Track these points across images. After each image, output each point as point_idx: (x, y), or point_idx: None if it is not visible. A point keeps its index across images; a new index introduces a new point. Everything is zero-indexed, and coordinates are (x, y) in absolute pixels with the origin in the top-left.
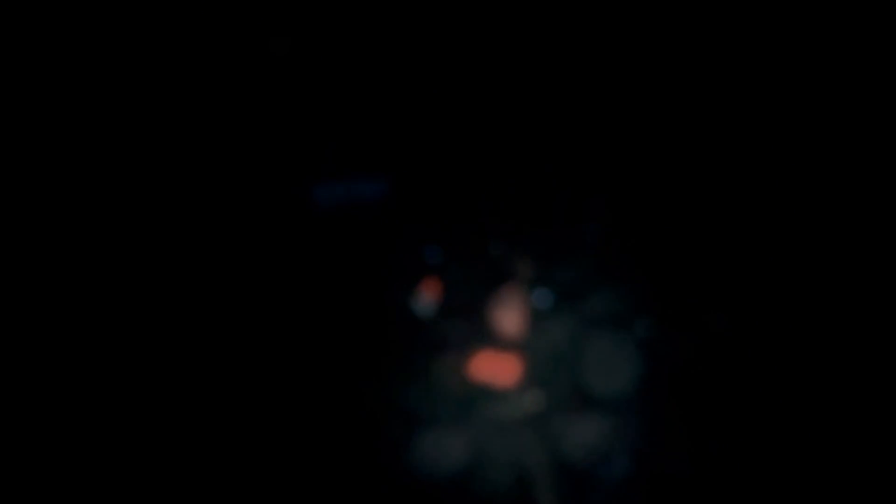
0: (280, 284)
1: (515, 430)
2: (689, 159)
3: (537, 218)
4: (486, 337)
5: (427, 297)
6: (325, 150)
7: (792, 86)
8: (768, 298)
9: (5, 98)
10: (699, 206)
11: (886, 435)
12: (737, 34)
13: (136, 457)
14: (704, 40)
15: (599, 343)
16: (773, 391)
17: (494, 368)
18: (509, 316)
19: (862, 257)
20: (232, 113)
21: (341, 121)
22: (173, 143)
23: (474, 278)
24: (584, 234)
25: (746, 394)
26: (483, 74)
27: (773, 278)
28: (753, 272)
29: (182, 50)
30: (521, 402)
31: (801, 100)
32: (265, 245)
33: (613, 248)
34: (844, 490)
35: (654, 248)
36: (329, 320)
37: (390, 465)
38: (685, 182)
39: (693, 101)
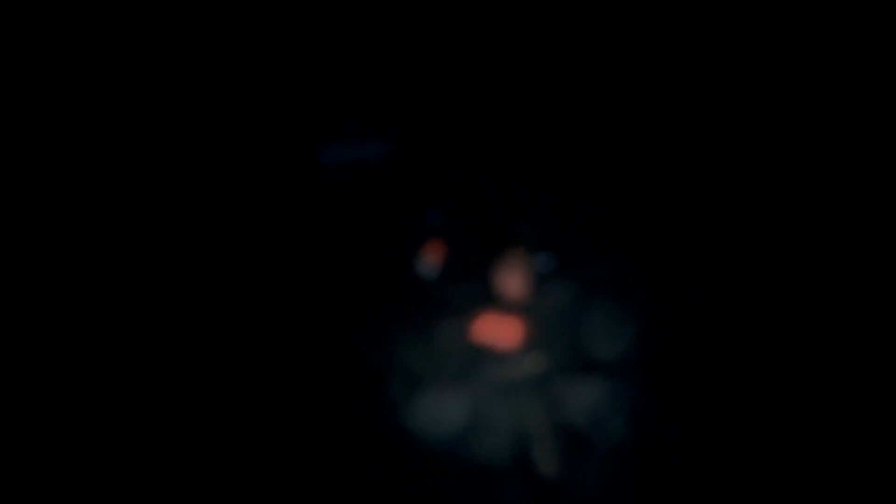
0: (284, 243)
1: (516, 392)
2: (690, 131)
3: (541, 182)
4: (488, 299)
5: (431, 258)
6: (331, 112)
7: (781, 67)
8: (768, 265)
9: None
10: (702, 173)
11: (873, 396)
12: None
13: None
14: (700, 25)
15: (600, 307)
16: (771, 358)
17: (497, 330)
18: (512, 279)
19: (846, 230)
20: (239, 74)
21: (347, 82)
22: (181, 105)
23: (478, 241)
24: (587, 199)
25: (743, 359)
26: (489, 39)
27: (773, 247)
28: (755, 238)
29: (189, 11)
30: (523, 364)
31: (788, 82)
32: (270, 205)
33: (616, 214)
34: (834, 454)
35: (656, 215)
36: (332, 281)
37: (392, 425)
38: (687, 150)
39: (694, 79)
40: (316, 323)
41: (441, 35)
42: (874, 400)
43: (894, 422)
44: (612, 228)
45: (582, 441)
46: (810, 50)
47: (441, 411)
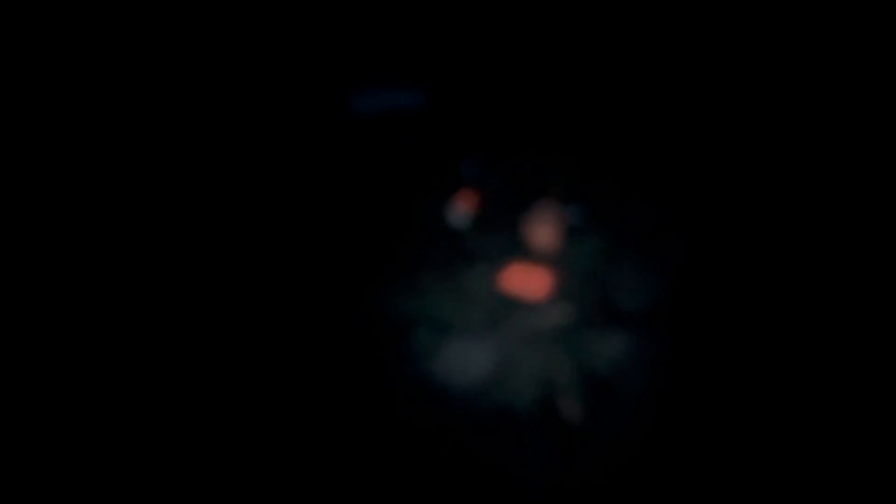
0: (318, 191)
1: (543, 342)
2: (723, 84)
3: (573, 135)
4: (518, 250)
5: (463, 208)
6: (366, 60)
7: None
8: (798, 218)
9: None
10: (733, 126)
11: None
12: None
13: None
14: None
15: (628, 260)
16: (798, 310)
17: (525, 281)
18: (542, 230)
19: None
20: (274, 22)
21: (383, 30)
22: (217, 53)
23: (509, 191)
24: (619, 151)
25: (769, 312)
26: None
27: (802, 200)
28: (784, 192)
29: None
30: (550, 314)
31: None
32: (304, 153)
33: (646, 166)
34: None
35: (686, 169)
36: (364, 228)
37: (419, 372)
38: (719, 103)
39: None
40: (346, 270)
41: None
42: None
43: None
44: (642, 181)
45: (606, 391)
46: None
47: (468, 360)
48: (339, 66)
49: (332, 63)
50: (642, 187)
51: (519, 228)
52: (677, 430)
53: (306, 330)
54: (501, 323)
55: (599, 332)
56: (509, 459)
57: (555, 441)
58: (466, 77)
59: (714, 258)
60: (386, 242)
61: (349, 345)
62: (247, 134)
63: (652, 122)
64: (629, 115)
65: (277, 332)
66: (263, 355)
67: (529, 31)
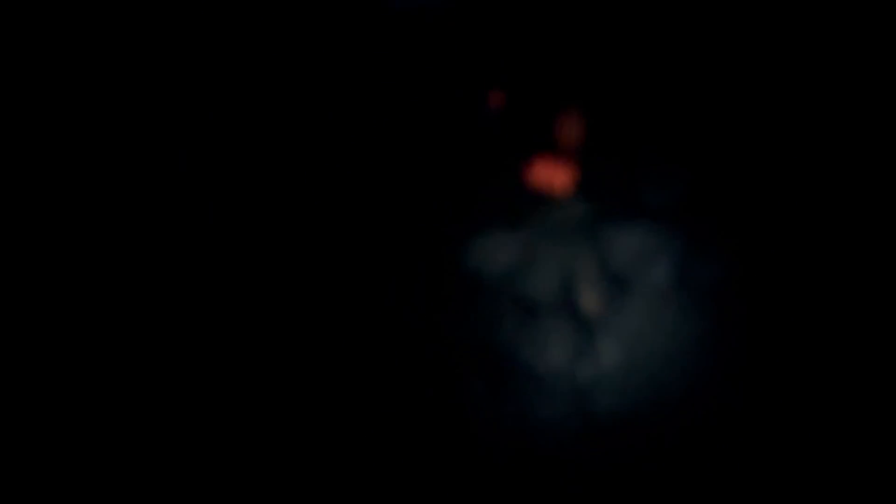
0: (345, 84)
1: (566, 235)
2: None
3: (604, 35)
4: (544, 145)
5: (490, 103)
6: None
7: None
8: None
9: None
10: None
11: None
12: None
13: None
14: None
15: (653, 153)
16: (821, 213)
17: (550, 175)
18: (568, 126)
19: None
20: None
21: None
22: None
23: (537, 88)
24: (649, 54)
25: (797, 203)
26: None
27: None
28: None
29: None
30: (574, 208)
31: None
32: (330, 47)
33: (672, 64)
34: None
35: (712, 67)
36: (390, 125)
37: (441, 263)
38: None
39: None
40: (370, 166)
41: None
42: None
43: None
44: (669, 79)
45: (628, 285)
46: None
47: (492, 251)
48: None
49: None
50: (668, 85)
51: (545, 124)
52: (697, 324)
53: (330, 231)
54: (526, 216)
55: (623, 226)
56: (529, 352)
57: (574, 329)
58: None
59: (739, 152)
60: (412, 138)
61: (372, 240)
62: (279, 34)
63: (683, 26)
64: (661, 17)
65: (306, 239)
66: (290, 269)
67: None
